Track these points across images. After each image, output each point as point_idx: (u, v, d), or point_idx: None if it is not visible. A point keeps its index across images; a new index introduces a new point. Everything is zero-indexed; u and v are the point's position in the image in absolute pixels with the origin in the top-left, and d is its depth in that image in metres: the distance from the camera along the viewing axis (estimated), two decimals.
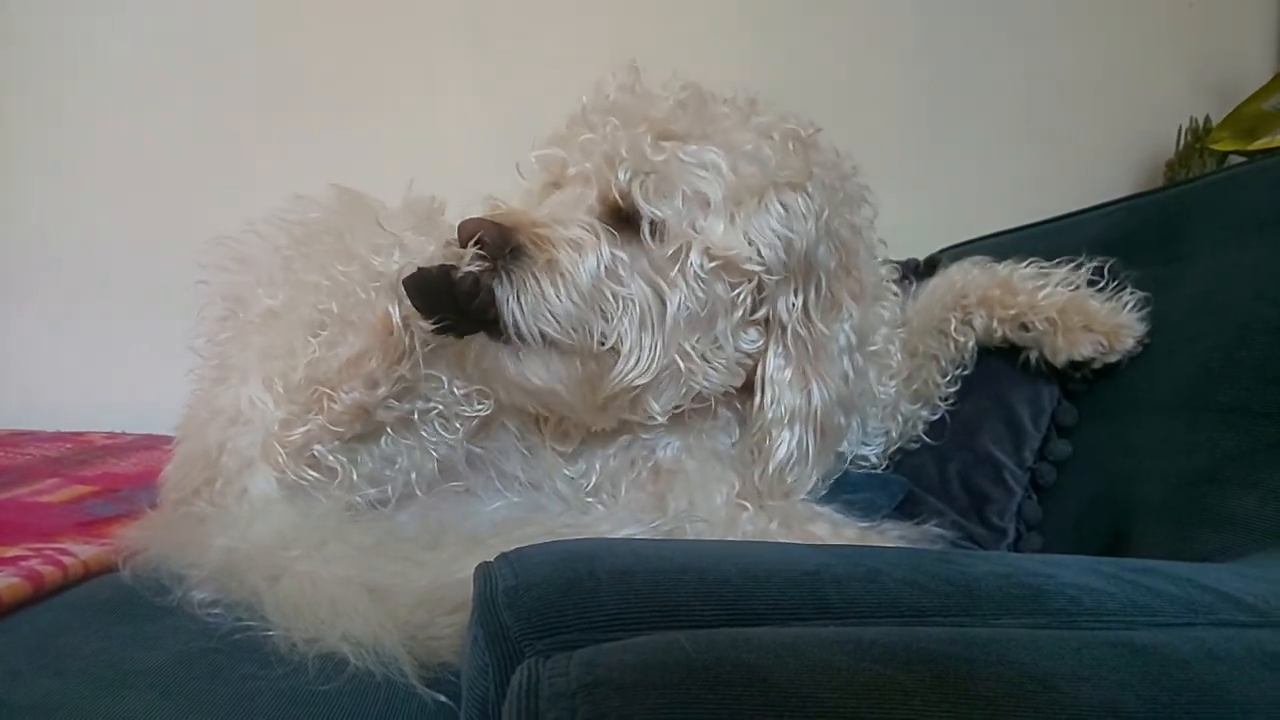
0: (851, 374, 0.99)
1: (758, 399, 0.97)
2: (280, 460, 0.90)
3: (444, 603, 0.73)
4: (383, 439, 0.92)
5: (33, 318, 2.15)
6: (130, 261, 2.10)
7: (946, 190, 1.95)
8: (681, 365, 0.91)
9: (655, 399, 0.93)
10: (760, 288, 0.94)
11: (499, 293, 0.84)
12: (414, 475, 0.94)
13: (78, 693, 0.67)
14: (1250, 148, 1.66)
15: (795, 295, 0.95)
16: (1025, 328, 1.07)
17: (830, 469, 1.05)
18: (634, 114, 0.92)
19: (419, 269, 0.83)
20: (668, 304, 0.89)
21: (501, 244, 0.84)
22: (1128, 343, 0.99)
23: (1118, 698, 0.39)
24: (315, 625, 0.72)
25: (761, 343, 0.97)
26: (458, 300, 0.82)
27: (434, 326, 0.83)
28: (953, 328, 1.14)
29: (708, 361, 0.93)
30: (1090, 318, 1.00)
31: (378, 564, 0.81)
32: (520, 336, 0.85)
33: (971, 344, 1.14)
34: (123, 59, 2.10)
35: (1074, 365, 1.03)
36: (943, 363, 1.16)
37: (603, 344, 0.87)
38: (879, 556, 0.56)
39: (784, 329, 0.95)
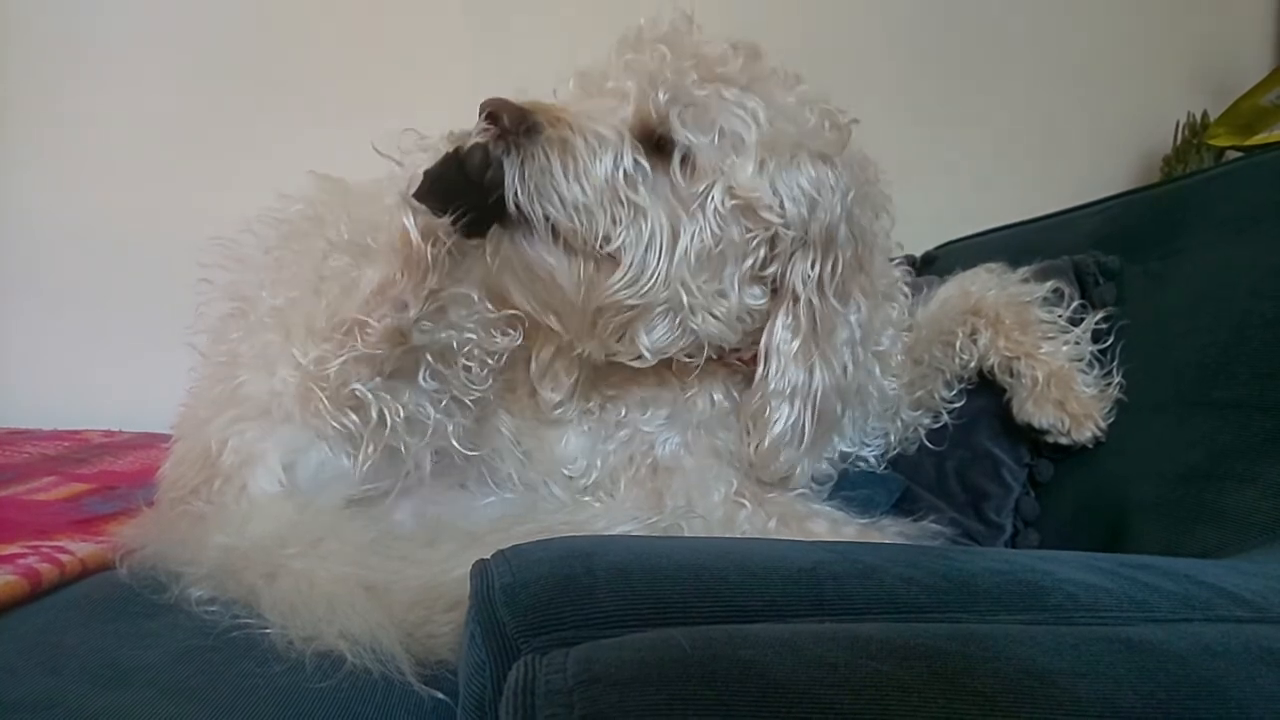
0: (851, 367, 0.98)
1: (761, 369, 0.96)
2: (320, 405, 0.87)
3: (441, 600, 0.73)
4: (420, 374, 0.89)
5: (30, 316, 2.14)
6: (127, 260, 2.09)
7: (944, 186, 1.95)
8: (684, 300, 0.90)
9: (647, 332, 0.92)
10: (774, 244, 0.94)
11: (506, 167, 0.82)
12: (449, 427, 0.91)
13: (75, 690, 0.67)
14: (1248, 143, 1.66)
15: (812, 267, 0.94)
16: (1012, 372, 1.07)
17: (821, 469, 1.04)
18: (684, 47, 0.92)
19: (428, 170, 0.81)
20: (680, 234, 0.88)
21: (518, 120, 0.83)
22: (1085, 434, 0.99)
23: (1115, 693, 0.39)
24: (312, 623, 0.72)
25: (766, 303, 0.96)
26: (469, 177, 0.81)
27: (453, 219, 0.81)
28: (959, 343, 1.12)
29: (709, 307, 0.92)
30: (1068, 395, 1.01)
31: (374, 562, 0.81)
32: (525, 217, 0.85)
33: (975, 361, 1.13)
34: (115, 57, 2.09)
35: (1031, 428, 1.04)
36: (947, 375, 1.15)
37: (604, 246, 0.86)
38: (876, 553, 0.56)
39: (796, 299, 0.95)
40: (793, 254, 0.94)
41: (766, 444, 0.95)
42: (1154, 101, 1.96)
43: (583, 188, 0.84)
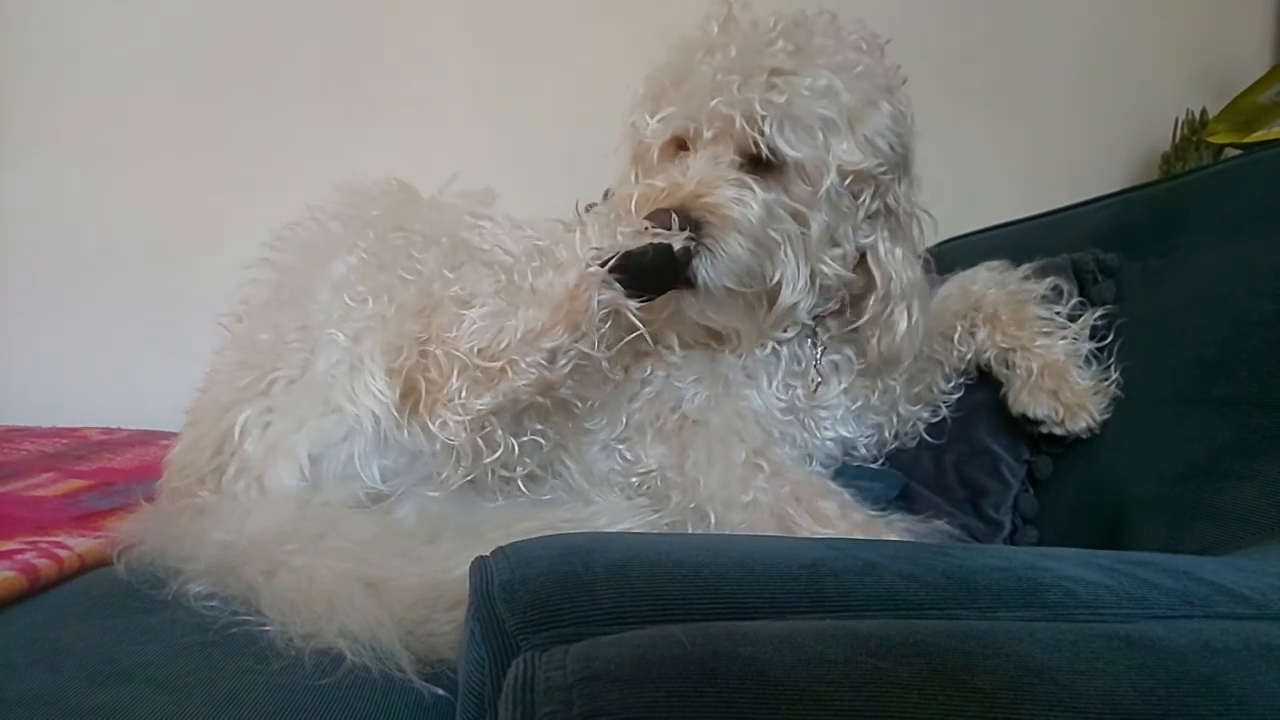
0: (921, 235, 1.10)
1: (878, 279, 1.05)
2: (452, 425, 0.90)
3: (442, 599, 0.73)
4: (527, 417, 0.94)
5: (28, 314, 2.14)
6: (126, 258, 2.10)
7: (943, 184, 1.94)
8: (824, 270, 1.02)
9: (804, 309, 1.03)
10: (877, 185, 1.03)
11: (695, 261, 0.94)
12: (532, 460, 0.97)
13: (73, 686, 0.67)
14: (1247, 140, 1.65)
15: (899, 184, 1.05)
16: (1008, 364, 1.08)
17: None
18: (752, 65, 0.97)
19: (629, 253, 0.90)
20: (811, 226, 0.99)
21: (686, 223, 0.93)
22: (1079, 424, 1.00)
23: (1114, 690, 0.39)
24: (312, 620, 0.72)
25: (874, 234, 1.05)
26: (676, 272, 0.94)
27: (641, 301, 0.91)
28: (957, 336, 1.14)
29: (833, 261, 1.03)
30: (1062, 385, 1.02)
31: (375, 558, 0.80)
32: (708, 290, 0.96)
33: (972, 354, 1.14)
34: (120, 56, 2.09)
35: (1026, 419, 1.04)
36: (946, 369, 1.16)
37: (770, 281, 0.99)
38: (876, 549, 0.56)
39: (890, 215, 1.06)
40: (894, 183, 1.04)
41: (897, 340, 1.05)
42: (1153, 99, 1.95)
43: (750, 250, 0.96)
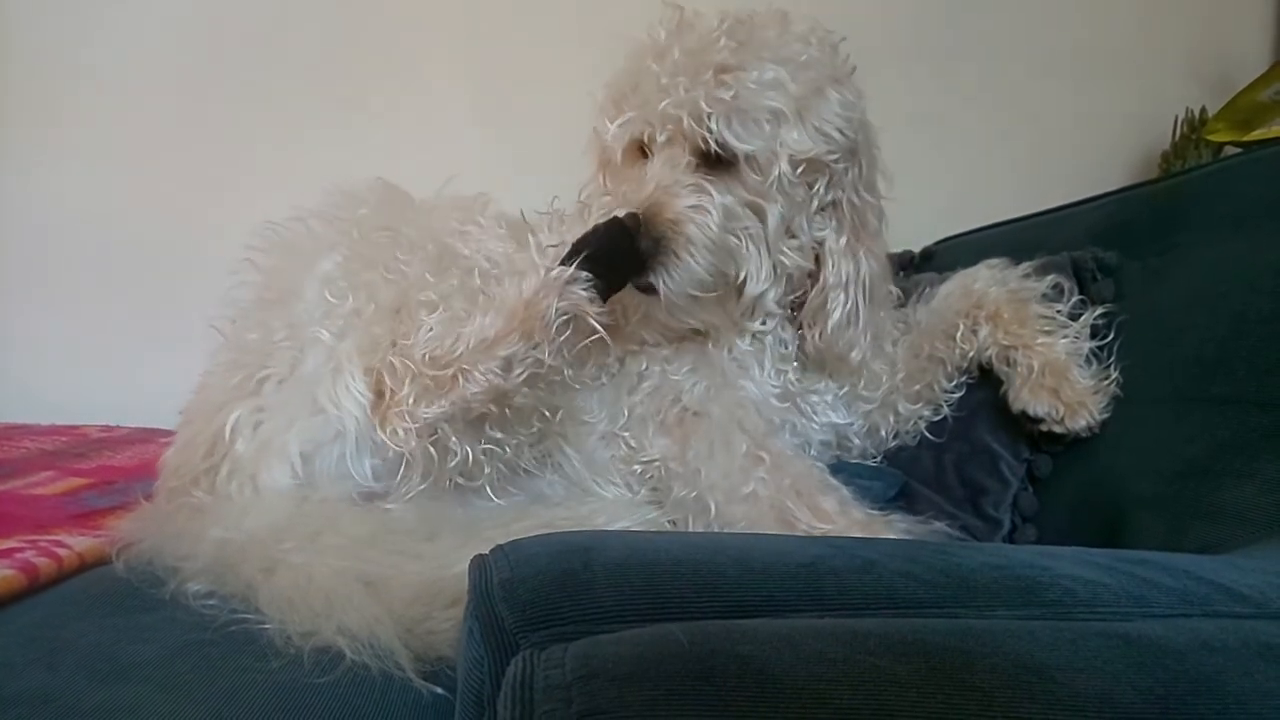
0: (879, 229, 1.11)
1: (821, 273, 1.08)
2: (401, 433, 0.91)
3: (441, 596, 0.73)
4: (487, 424, 0.94)
5: (28, 312, 2.14)
6: (125, 256, 2.09)
7: (942, 182, 1.95)
8: (783, 260, 1.05)
9: (771, 298, 1.06)
10: (829, 174, 1.05)
11: (653, 279, 0.97)
12: (501, 466, 0.98)
13: (72, 685, 0.67)
14: (1246, 138, 1.65)
15: (846, 173, 1.06)
16: (1009, 361, 1.08)
17: (880, 331, 1.15)
18: (698, 64, 0.99)
19: (582, 238, 0.92)
20: (768, 218, 1.02)
21: (647, 238, 0.96)
22: (1079, 422, 1.00)
23: (1113, 689, 0.39)
24: (310, 618, 0.72)
25: (826, 227, 1.08)
26: (632, 245, 0.95)
27: (606, 298, 0.92)
28: (959, 334, 1.14)
29: (791, 252, 1.05)
30: (1063, 383, 1.02)
31: (373, 556, 0.81)
32: (672, 300, 0.99)
33: (974, 352, 1.14)
34: (120, 55, 2.09)
35: (1026, 416, 1.04)
36: (948, 367, 1.16)
37: (736, 279, 1.02)
38: (874, 548, 0.56)
39: (838, 204, 1.07)
40: (844, 173, 1.06)
41: (829, 330, 1.07)
42: (1152, 97, 1.95)
43: (710, 260, 0.98)
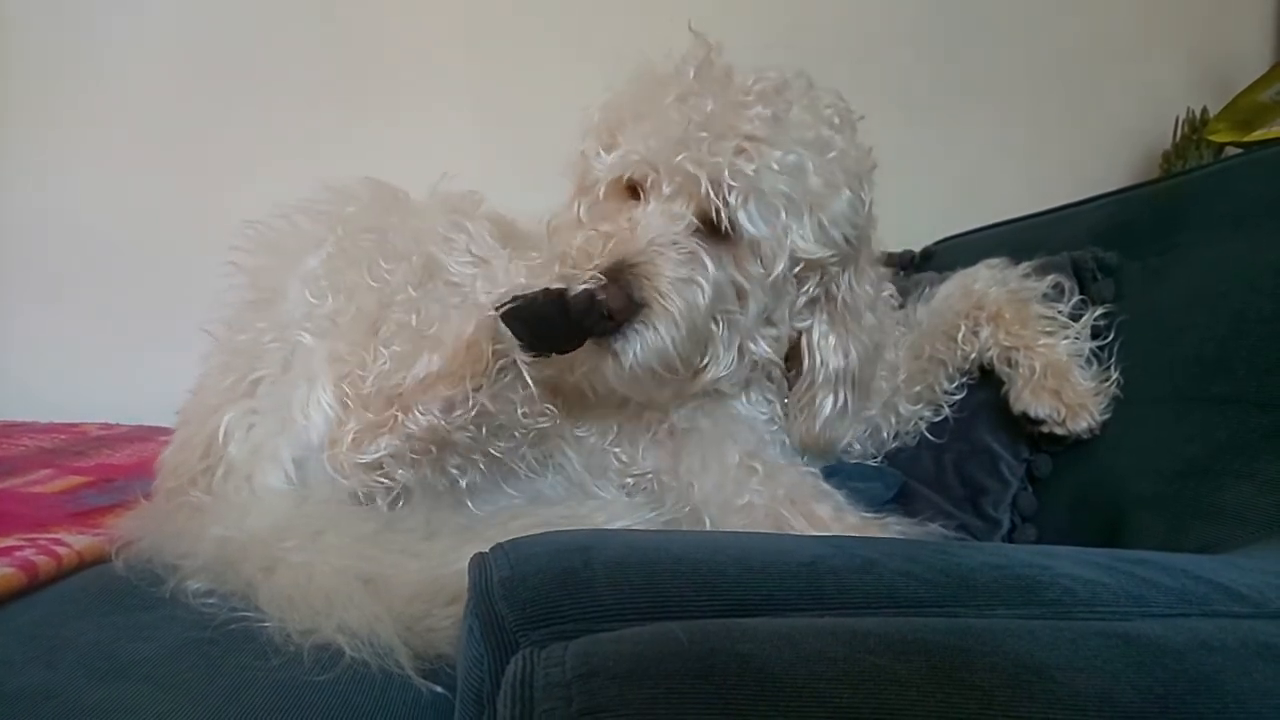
0: (874, 322, 1.05)
1: (805, 363, 1.03)
2: (347, 467, 0.91)
3: (441, 594, 0.73)
4: (447, 460, 0.93)
5: (27, 310, 2.14)
6: (124, 255, 2.09)
7: (943, 182, 1.95)
8: (753, 348, 0.99)
9: (729, 383, 1.00)
10: (823, 271, 0.99)
11: (618, 344, 0.88)
12: (463, 483, 0.95)
13: (71, 683, 0.67)
14: (1247, 139, 1.65)
15: (843, 272, 1.01)
16: (1011, 363, 1.08)
17: (865, 424, 1.13)
18: (725, 126, 0.91)
19: (521, 301, 0.84)
20: (750, 306, 0.95)
21: (624, 297, 0.87)
22: (1080, 424, 0.99)
23: (1112, 688, 0.39)
24: (310, 616, 0.72)
25: (812, 321, 1.03)
26: (571, 319, 0.84)
27: (533, 359, 0.86)
28: (961, 335, 1.14)
29: (764, 340, 1.00)
30: (1064, 385, 1.01)
31: (374, 555, 0.81)
32: (633, 370, 0.89)
33: (975, 353, 1.14)
34: (114, 56, 2.09)
35: (1027, 418, 1.04)
36: (949, 368, 1.16)
37: (699, 365, 0.94)
38: (875, 547, 0.56)
39: (830, 301, 1.02)
40: (840, 273, 1.00)
41: (818, 427, 1.04)
42: (1154, 97, 1.95)
43: (685, 341, 0.90)
